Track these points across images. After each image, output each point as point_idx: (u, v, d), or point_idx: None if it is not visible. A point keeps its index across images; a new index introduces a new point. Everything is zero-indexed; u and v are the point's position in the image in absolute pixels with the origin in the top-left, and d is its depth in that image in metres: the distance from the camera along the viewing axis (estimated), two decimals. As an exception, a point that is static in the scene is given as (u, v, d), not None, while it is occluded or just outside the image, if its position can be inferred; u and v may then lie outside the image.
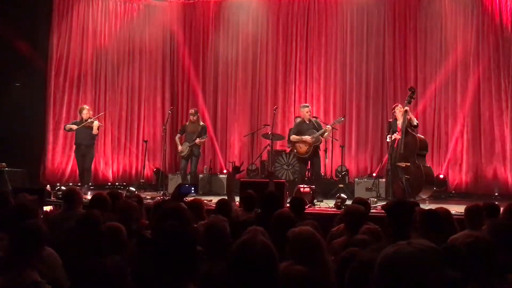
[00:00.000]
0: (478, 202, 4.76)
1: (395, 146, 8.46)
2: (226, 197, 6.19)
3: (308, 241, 2.95)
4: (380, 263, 1.61)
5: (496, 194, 10.11)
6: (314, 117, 9.89)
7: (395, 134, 8.54)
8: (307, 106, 9.52)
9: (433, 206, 5.34)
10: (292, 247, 2.93)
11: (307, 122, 9.38)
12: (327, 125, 9.43)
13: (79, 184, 9.93)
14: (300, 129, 9.41)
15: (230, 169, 11.62)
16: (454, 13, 10.84)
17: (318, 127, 9.26)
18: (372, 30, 11.43)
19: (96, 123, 9.91)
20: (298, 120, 10.73)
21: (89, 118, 9.94)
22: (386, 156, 9.61)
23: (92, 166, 10.49)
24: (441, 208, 4.55)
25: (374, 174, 10.47)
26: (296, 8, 11.98)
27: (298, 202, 5.44)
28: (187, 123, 10.57)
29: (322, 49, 11.75)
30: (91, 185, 10.30)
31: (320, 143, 9.45)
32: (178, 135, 10.62)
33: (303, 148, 9.28)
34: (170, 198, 7.88)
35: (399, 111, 8.65)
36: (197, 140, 10.14)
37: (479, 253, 2.70)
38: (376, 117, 11.36)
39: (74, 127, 9.93)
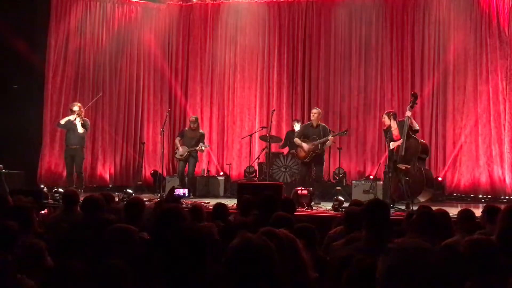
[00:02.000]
0: (469, 208, 4.77)
1: (394, 150, 8.41)
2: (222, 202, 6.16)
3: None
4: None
5: (494, 196, 10.12)
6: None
7: (397, 142, 8.41)
8: (317, 110, 9.44)
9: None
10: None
11: (314, 126, 9.27)
12: (329, 134, 9.17)
13: (76, 185, 9.87)
14: (305, 133, 9.34)
15: (228, 172, 11.65)
16: (451, 16, 10.87)
17: (323, 135, 9.09)
18: (370, 33, 11.44)
19: (77, 120, 9.64)
20: (296, 123, 10.76)
21: (79, 115, 9.67)
22: (383, 158, 9.61)
23: (85, 168, 10.33)
24: (440, 209, 4.55)
25: (371, 177, 10.48)
26: (294, 11, 11.98)
27: (287, 204, 5.38)
28: (186, 129, 10.58)
29: (320, 51, 11.75)
30: (84, 187, 10.22)
31: (321, 151, 9.20)
32: (178, 138, 10.62)
33: (302, 153, 9.26)
34: (165, 200, 7.91)
35: (387, 118, 8.53)
36: (198, 147, 10.17)
37: (480, 254, 2.69)
38: (374, 119, 11.37)
39: (62, 121, 9.81)
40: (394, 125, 8.39)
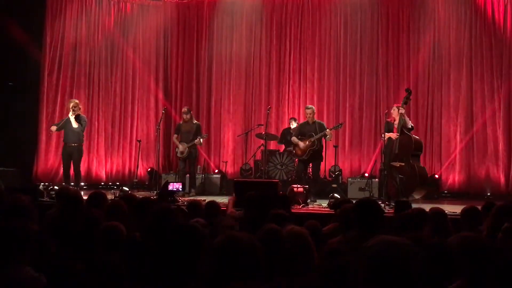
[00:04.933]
0: (474, 203, 4.76)
1: (392, 144, 8.42)
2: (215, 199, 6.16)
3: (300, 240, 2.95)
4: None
5: (488, 194, 10.17)
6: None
7: (393, 134, 8.48)
8: (310, 108, 9.41)
9: (426, 206, 5.35)
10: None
11: (310, 123, 9.24)
12: (326, 129, 9.10)
13: (73, 183, 9.82)
14: (301, 131, 9.32)
15: (224, 169, 11.65)
16: (447, 13, 10.90)
17: (319, 131, 9.04)
18: (365, 30, 11.46)
19: (70, 114, 9.35)
20: (293, 122, 10.77)
21: (73, 110, 9.35)
22: (377, 150, 9.62)
23: (81, 166, 10.04)
24: (437, 208, 4.55)
25: (366, 174, 10.50)
26: (289, 8, 11.99)
27: (281, 200, 5.37)
28: (181, 123, 10.38)
29: (316, 49, 11.76)
30: (84, 185, 10.20)
31: (318, 147, 9.12)
32: (175, 135, 10.50)
33: (299, 151, 9.25)
34: (158, 195, 7.92)
35: (396, 112, 8.60)
36: (196, 141, 10.01)
37: (471, 253, 2.69)
38: (370, 117, 11.39)
39: (54, 128, 9.48)
40: (397, 119, 8.44)
